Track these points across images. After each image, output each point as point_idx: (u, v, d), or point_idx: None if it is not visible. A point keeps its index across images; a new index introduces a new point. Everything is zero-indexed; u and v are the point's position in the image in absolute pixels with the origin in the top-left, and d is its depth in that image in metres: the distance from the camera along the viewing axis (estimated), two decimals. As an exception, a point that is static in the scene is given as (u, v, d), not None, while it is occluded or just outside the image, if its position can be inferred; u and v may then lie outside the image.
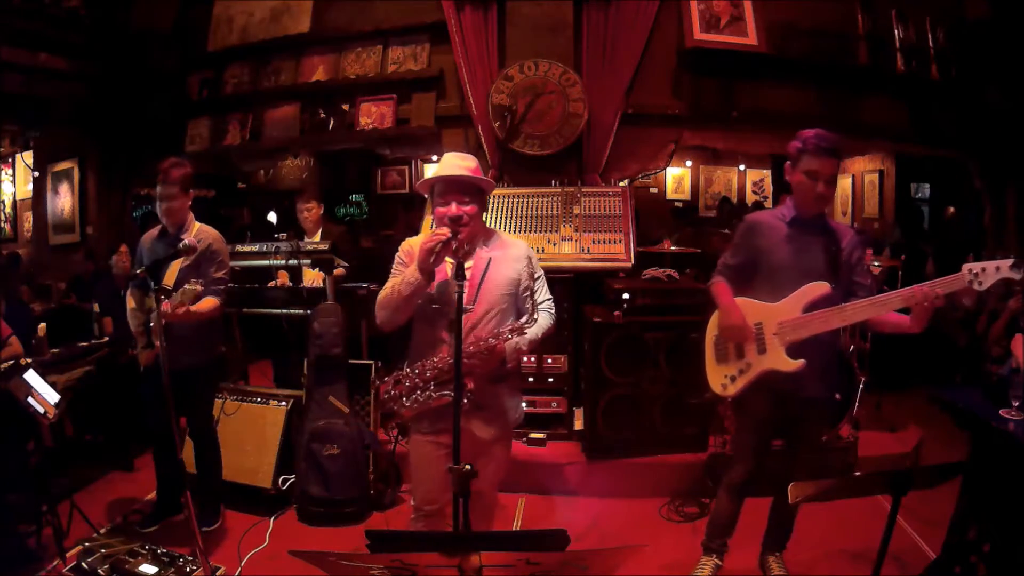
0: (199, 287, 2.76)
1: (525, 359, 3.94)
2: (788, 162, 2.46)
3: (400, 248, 2.29)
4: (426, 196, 2.41)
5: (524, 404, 3.83)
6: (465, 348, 2.04)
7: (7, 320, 3.34)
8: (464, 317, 2.10)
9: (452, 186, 2.18)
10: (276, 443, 3.56)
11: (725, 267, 2.63)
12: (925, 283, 2.14)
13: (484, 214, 2.31)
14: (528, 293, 2.18)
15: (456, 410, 1.80)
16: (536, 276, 2.25)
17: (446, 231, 2.04)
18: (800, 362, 2.35)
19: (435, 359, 2.11)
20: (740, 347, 2.50)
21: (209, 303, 2.96)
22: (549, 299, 2.30)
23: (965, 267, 2.10)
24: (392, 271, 2.27)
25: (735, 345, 2.52)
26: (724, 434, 3.64)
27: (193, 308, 2.83)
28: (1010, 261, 2.04)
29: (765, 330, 2.43)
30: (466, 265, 2.18)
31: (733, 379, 2.52)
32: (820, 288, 2.34)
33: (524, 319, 2.11)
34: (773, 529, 2.73)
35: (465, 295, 2.12)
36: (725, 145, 8.04)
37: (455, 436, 1.78)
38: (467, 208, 2.15)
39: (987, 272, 2.07)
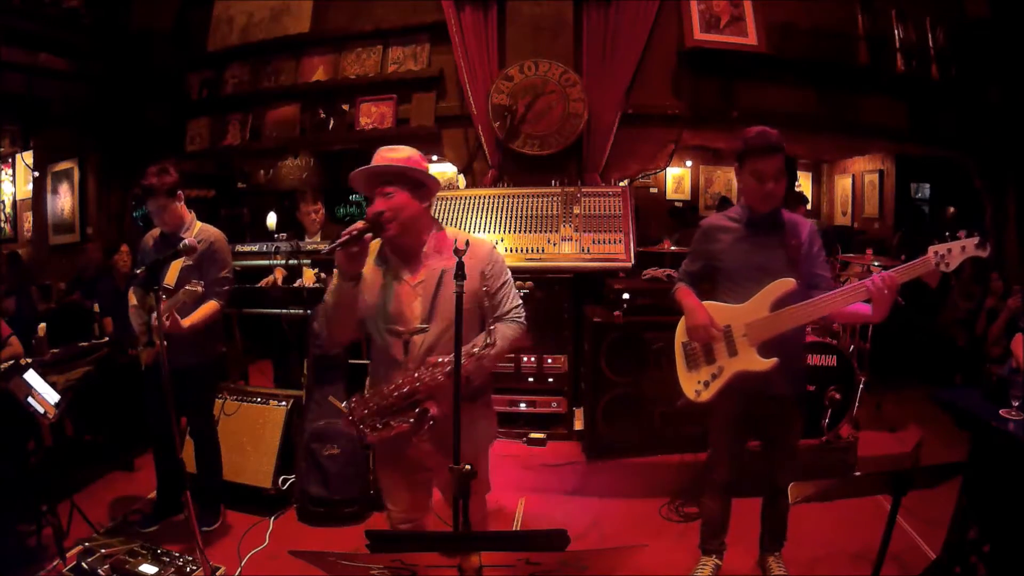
0: (199, 288, 2.77)
1: (525, 359, 3.96)
2: (736, 163, 2.46)
3: None
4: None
5: (524, 404, 3.93)
6: (421, 374, 1.88)
7: (11, 320, 3.35)
8: (419, 338, 1.94)
9: (373, 179, 1.93)
10: (276, 443, 3.56)
11: (686, 273, 2.63)
12: (888, 271, 2.15)
13: (431, 208, 2.03)
14: (490, 304, 1.97)
15: (456, 408, 1.73)
16: (501, 283, 2.03)
17: (360, 224, 1.82)
18: (772, 361, 2.35)
19: (391, 386, 1.90)
20: (710, 352, 2.48)
21: (209, 308, 2.97)
22: (517, 306, 2.08)
23: (931, 249, 2.11)
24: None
25: (705, 350, 2.50)
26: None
27: (189, 321, 2.86)
28: (975, 239, 2.06)
29: (734, 332, 2.42)
30: (417, 280, 1.97)
31: (706, 384, 2.50)
32: (786, 285, 2.33)
33: (483, 340, 1.86)
34: (767, 530, 2.73)
35: (420, 313, 1.95)
36: (725, 145, 8.02)
37: (455, 435, 1.72)
38: (391, 201, 1.89)
39: (953, 253, 2.08)
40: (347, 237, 1.79)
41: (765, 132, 2.37)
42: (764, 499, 2.70)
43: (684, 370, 2.60)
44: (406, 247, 1.99)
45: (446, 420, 1.89)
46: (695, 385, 2.54)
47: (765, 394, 2.44)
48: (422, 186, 1.96)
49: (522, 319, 2.08)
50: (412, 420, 1.87)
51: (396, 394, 1.89)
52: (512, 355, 3.95)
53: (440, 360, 1.88)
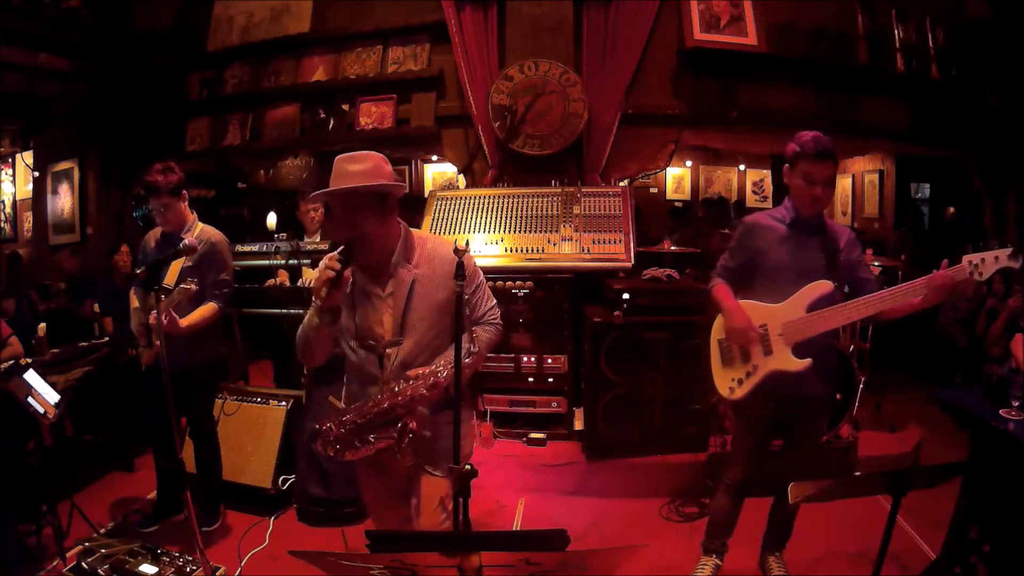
0: (193, 287, 2.77)
1: (525, 359, 3.96)
2: (786, 164, 2.46)
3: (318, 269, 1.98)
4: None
5: (524, 404, 3.92)
6: (401, 388, 1.84)
7: (11, 320, 3.35)
8: (392, 352, 1.90)
9: (338, 202, 1.85)
10: (276, 443, 3.55)
11: (724, 269, 2.63)
12: (922, 279, 2.17)
13: (391, 218, 1.91)
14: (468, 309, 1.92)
15: (456, 407, 1.72)
16: (474, 287, 1.96)
17: (334, 266, 1.75)
18: (807, 361, 2.36)
19: (369, 403, 1.87)
20: (746, 350, 2.50)
21: (208, 310, 2.97)
22: (492, 308, 2.03)
23: (965, 258, 2.14)
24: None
25: (740, 348, 2.51)
26: (724, 434, 3.64)
27: (188, 321, 2.85)
28: (1008, 250, 2.08)
29: (770, 331, 2.44)
30: (387, 292, 1.91)
31: (740, 382, 2.52)
32: (822, 287, 2.35)
33: (465, 348, 1.82)
34: (773, 529, 2.73)
35: (391, 326, 1.91)
36: (725, 145, 8.04)
37: (455, 435, 1.71)
38: (361, 226, 1.82)
39: (987, 263, 2.11)
40: (328, 283, 1.75)
41: (820, 137, 2.36)
42: (776, 497, 2.70)
43: (719, 367, 2.61)
44: (375, 259, 1.92)
45: (425, 433, 1.87)
46: (729, 382, 2.55)
47: (797, 394, 2.45)
48: (387, 197, 1.87)
49: (497, 320, 2.04)
50: (395, 435, 1.83)
51: (376, 410, 1.86)
52: (512, 355, 3.96)
53: (420, 372, 1.84)
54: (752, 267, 2.53)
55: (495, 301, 2.06)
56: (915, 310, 2.29)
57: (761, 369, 2.46)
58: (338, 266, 1.76)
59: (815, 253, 2.42)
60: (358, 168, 1.83)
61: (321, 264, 1.79)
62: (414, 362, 1.89)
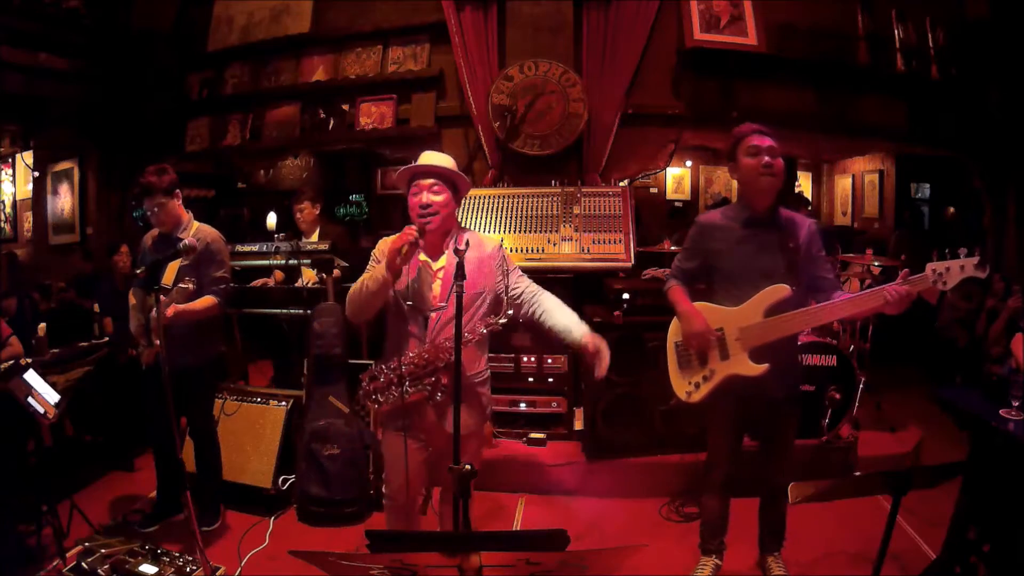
0: (191, 286, 2.77)
1: (525, 359, 3.96)
2: (728, 162, 2.46)
3: (377, 245, 2.33)
4: (403, 192, 2.37)
5: (524, 404, 3.93)
6: (442, 344, 2.14)
7: (11, 320, 3.34)
8: (435, 315, 2.20)
9: (425, 176, 2.23)
10: (276, 443, 3.56)
11: (680, 271, 2.59)
12: (887, 285, 2.12)
13: (458, 212, 2.37)
14: (503, 289, 2.25)
15: (456, 412, 1.79)
16: (510, 270, 2.30)
17: (413, 231, 2.09)
18: (764, 366, 2.34)
19: (410, 355, 2.17)
20: (703, 353, 2.48)
21: (206, 301, 2.96)
22: (530, 281, 2.35)
23: (929, 267, 2.08)
24: (367, 268, 2.32)
25: (698, 352, 2.49)
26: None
27: (187, 306, 2.83)
28: (975, 260, 2.02)
29: (727, 335, 2.42)
30: (439, 266, 2.25)
31: (697, 386, 2.50)
32: (780, 292, 2.32)
33: (499, 316, 2.18)
34: (766, 530, 2.72)
35: (437, 294, 2.22)
36: (725, 145, 8.01)
37: (455, 435, 1.78)
38: (437, 199, 2.20)
39: (951, 271, 2.04)
40: (406, 243, 2.06)
41: (747, 122, 2.42)
42: (762, 499, 2.70)
43: (676, 370, 2.60)
44: (436, 238, 2.25)
45: (450, 392, 2.09)
46: (686, 386, 2.54)
47: (759, 397, 2.43)
48: (458, 190, 2.28)
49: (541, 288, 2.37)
50: (429, 388, 2.12)
51: (417, 361, 2.15)
52: (512, 355, 3.95)
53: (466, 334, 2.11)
54: (710, 269, 2.49)
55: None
56: (879, 312, 2.23)
57: (718, 374, 2.44)
58: (416, 235, 2.09)
59: (773, 254, 2.37)
60: (443, 161, 2.26)
61: (403, 233, 2.09)
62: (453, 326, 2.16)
